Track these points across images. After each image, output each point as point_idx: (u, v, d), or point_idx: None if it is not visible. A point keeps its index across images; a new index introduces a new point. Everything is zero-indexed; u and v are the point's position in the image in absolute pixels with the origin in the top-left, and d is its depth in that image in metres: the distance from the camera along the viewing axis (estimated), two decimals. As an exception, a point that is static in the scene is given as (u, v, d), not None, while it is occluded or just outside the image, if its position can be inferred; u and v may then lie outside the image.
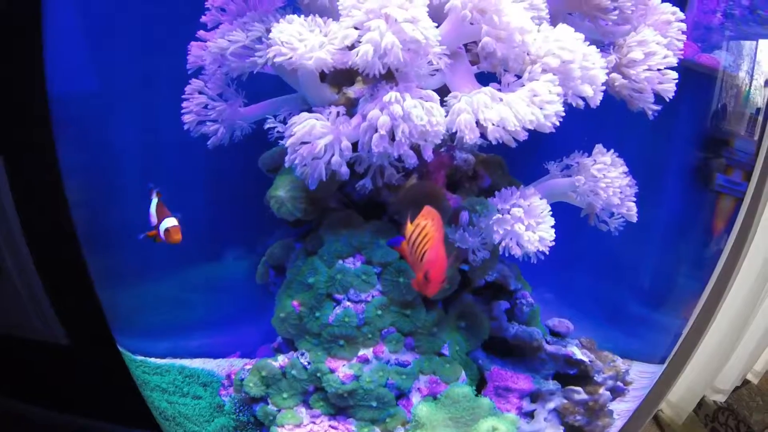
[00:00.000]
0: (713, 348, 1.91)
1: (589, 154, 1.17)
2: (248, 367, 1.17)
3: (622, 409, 1.36)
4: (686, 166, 1.57)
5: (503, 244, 1.01)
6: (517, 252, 1.01)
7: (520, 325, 1.26)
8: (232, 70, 1.11)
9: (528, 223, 1.00)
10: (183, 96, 1.18)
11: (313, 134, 1.00)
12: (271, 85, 1.24)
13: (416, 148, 1.00)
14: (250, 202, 1.50)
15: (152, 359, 1.42)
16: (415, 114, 0.94)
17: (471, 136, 0.95)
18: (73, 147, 1.49)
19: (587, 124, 1.15)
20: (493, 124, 0.93)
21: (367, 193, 1.17)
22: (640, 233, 1.28)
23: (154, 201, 1.12)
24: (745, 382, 2.01)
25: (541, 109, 0.94)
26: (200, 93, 1.18)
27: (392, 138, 0.96)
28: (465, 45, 1.08)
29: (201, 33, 1.16)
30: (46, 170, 1.78)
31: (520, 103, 0.94)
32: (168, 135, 1.46)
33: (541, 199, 1.05)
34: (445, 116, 0.96)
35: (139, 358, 1.41)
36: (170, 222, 1.09)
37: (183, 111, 1.18)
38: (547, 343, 1.26)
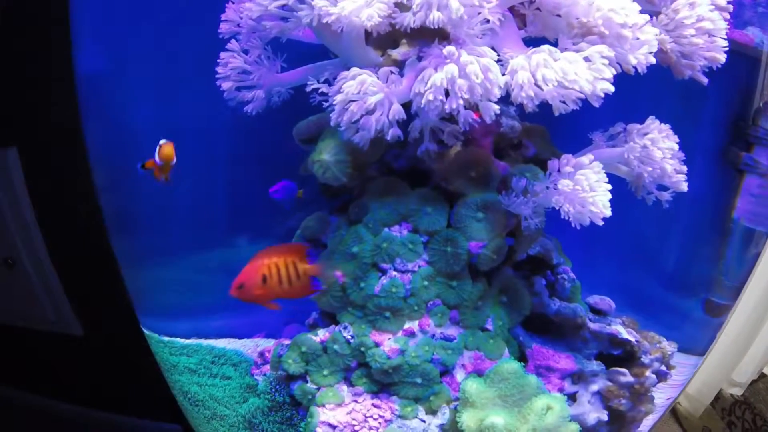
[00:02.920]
0: (730, 341, 1.90)
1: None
2: (286, 342, 1.12)
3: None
4: (716, 146, 1.55)
5: (566, 209, 0.97)
6: (581, 219, 0.97)
7: (562, 302, 1.22)
8: (271, 32, 1.06)
9: (592, 189, 0.97)
10: (218, 61, 1.13)
11: (364, 91, 0.95)
12: (299, 54, 1.20)
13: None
14: (268, 183, 1.46)
15: (179, 339, 1.35)
16: (472, 70, 0.90)
17: (529, 93, 0.91)
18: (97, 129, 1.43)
19: (612, 99, 1.12)
20: (553, 84, 0.90)
21: (408, 162, 1.14)
22: (665, 216, 1.25)
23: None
24: (762, 376, 1.99)
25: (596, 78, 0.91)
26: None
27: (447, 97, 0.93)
28: (510, 8, 1.05)
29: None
30: (62, 158, 1.73)
31: (581, 63, 0.91)
32: (190, 115, 1.43)
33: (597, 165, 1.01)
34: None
35: (166, 338, 1.35)
36: (164, 140, 1.06)
37: (219, 76, 1.13)
38: (590, 320, 1.22)
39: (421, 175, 1.13)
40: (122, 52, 1.40)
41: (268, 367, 1.25)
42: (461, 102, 0.92)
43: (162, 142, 1.06)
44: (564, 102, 0.91)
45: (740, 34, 1.40)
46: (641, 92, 1.22)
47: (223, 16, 1.15)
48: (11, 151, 1.78)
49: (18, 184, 1.78)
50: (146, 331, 1.39)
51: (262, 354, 1.28)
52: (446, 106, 0.91)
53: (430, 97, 0.90)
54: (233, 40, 1.12)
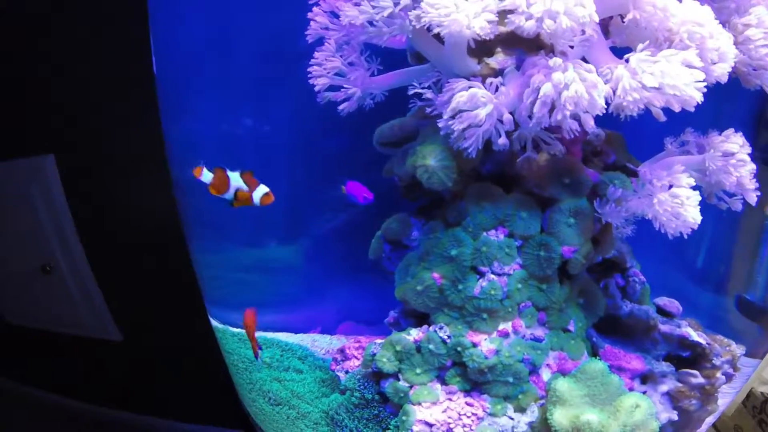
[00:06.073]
0: (762, 338, 1.94)
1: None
2: (379, 341, 1.14)
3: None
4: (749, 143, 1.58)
5: (661, 220, 1.01)
6: (672, 229, 1.01)
7: (633, 304, 1.26)
8: (373, 38, 1.08)
9: (684, 200, 1.01)
10: (312, 60, 1.15)
11: (474, 102, 0.98)
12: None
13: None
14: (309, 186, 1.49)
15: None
16: (584, 86, 0.93)
17: (635, 96, 0.93)
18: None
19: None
20: (655, 86, 0.92)
21: (495, 167, 1.17)
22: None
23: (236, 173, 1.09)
24: (793, 374, 2.04)
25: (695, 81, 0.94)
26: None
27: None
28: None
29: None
30: (99, 163, 1.73)
31: (681, 66, 0.93)
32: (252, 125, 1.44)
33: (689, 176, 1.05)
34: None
35: (237, 330, 1.36)
36: (264, 189, 1.09)
37: (313, 75, 1.14)
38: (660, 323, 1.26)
39: (508, 179, 1.16)
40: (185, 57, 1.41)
41: (349, 363, 1.28)
42: (567, 113, 0.94)
43: (264, 192, 1.09)
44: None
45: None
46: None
47: (310, 15, 1.16)
48: (49, 158, 1.77)
49: (56, 190, 1.78)
50: (218, 324, 1.40)
51: (342, 350, 1.30)
52: (557, 117, 0.94)
53: (546, 116, 0.92)
54: (331, 41, 1.13)
